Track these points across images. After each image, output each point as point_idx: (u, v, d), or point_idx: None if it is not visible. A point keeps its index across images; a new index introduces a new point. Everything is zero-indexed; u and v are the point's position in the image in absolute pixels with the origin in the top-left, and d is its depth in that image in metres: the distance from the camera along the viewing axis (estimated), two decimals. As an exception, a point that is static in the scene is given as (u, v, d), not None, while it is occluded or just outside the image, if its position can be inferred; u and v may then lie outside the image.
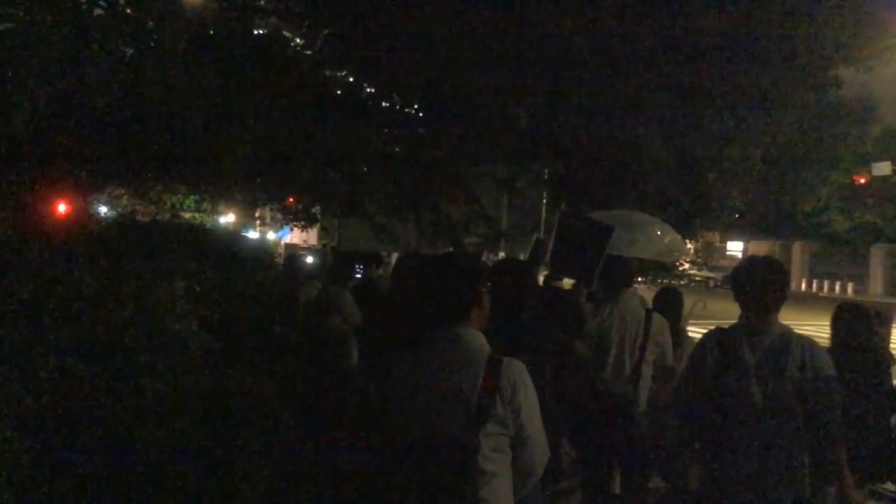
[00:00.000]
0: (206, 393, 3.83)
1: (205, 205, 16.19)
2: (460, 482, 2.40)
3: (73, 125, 4.56)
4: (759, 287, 3.53)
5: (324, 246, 24.23)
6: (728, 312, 5.20)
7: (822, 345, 3.78)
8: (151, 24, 5.87)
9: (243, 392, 4.18)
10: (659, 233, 7.79)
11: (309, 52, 8.22)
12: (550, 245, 6.45)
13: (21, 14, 4.23)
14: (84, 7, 4.80)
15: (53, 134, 4.00)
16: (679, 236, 8.44)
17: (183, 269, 4.07)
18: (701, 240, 42.67)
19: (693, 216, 14.59)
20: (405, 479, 2.49)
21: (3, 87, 3.58)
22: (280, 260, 12.96)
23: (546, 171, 13.76)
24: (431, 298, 2.67)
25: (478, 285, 2.66)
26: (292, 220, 15.50)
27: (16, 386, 2.98)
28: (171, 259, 4.07)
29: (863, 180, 39.56)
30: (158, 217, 9.77)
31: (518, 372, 2.50)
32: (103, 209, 10.05)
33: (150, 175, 7.88)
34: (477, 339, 2.59)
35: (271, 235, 30.08)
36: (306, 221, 15.41)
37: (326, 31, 7.70)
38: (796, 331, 3.57)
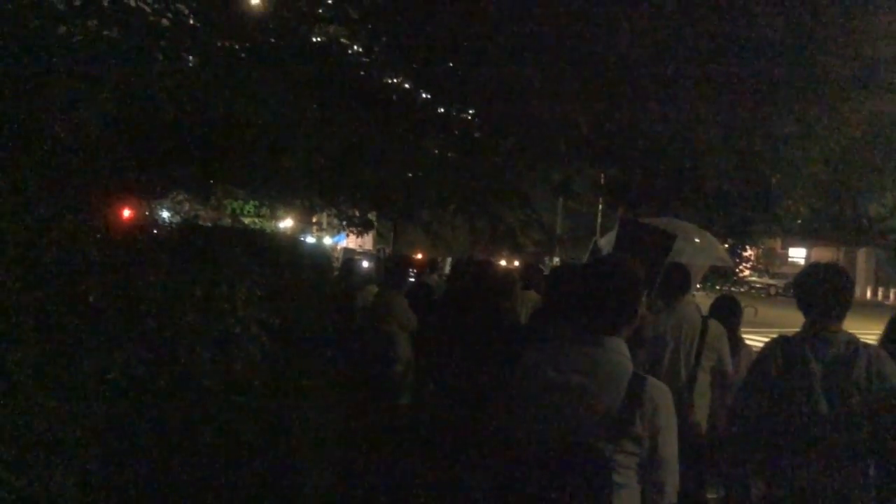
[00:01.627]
0: (266, 395, 3.91)
1: (264, 210, 16.48)
2: (599, 491, 2.32)
3: (140, 132, 4.71)
4: (824, 294, 3.45)
5: (378, 250, 24.38)
6: (789, 320, 5.09)
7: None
8: (215, 34, 6.03)
9: (302, 395, 4.26)
10: (699, 240, 7.67)
11: (366, 60, 8.31)
12: (610, 251, 6.41)
13: (94, 25, 4.39)
14: (152, 19, 4.95)
15: (122, 141, 4.14)
16: (720, 245, 8.28)
17: (244, 273, 4.16)
18: (762, 246, 41.67)
19: (754, 221, 14.29)
20: (533, 484, 2.40)
21: (78, 95, 3.71)
22: (337, 265, 13.12)
23: (602, 175, 13.64)
24: (590, 304, 2.54)
25: (640, 298, 2.56)
26: (348, 226, 15.63)
27: (85, 385, 3.08)
28: (234, 263, 4.16)
29: (933, 185, 38.21)
30: (220, 222, 10.00)
31: (662, 393, 2.42)
32: (165, 214, 10.30)
33: (212, 181, 8.06)
34: (625, 353, 2.50)
35: (328, 240, 30.44)
36: (362, 227, 15.51)
37: (384, 39, 7.79)
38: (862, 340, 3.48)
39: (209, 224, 8.45)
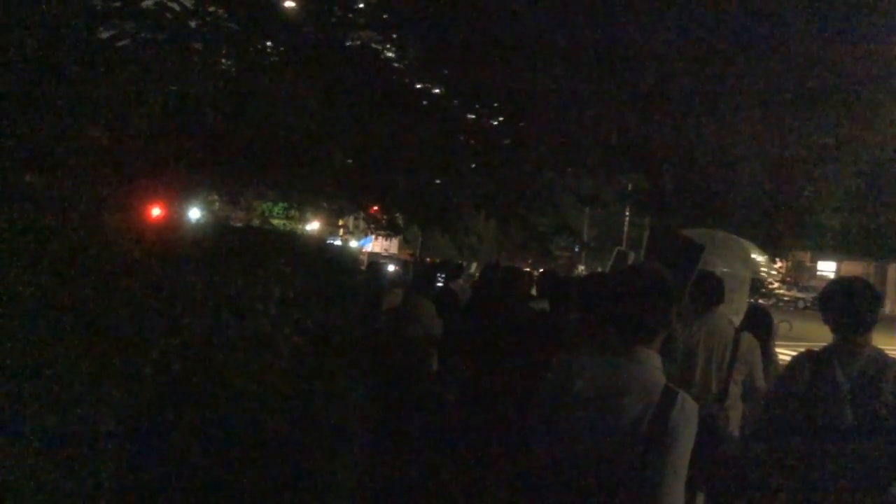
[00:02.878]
0: (297, 394, 3.94)
1: (293, 212, 16.63)
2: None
3: (178, 135, 4.78)
4: (849, 308, 3.42)
5: (412, 255, 24.54)
6: (817, 334, 5.05)
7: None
8: (251, 37, 6.10)
9: (332, 394, 4.29)
10: (745, 251, 7.62)
11: (398, 65, 8.36)
12: (640, 259, 6.39)
13: (134, 30, 4.47)
14: (194, 26, 5.02)
15: (163, 143, 4.21)
16: (766, 257, 8.23)
17: (277, 274, 4.20)
18: (791, 259, 41.30)
19: (784, 234, 14.19)
20: (563, 495, 2.39)
21: (125, 100, 3.79)
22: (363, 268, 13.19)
23: (630, 184, 13.59)
24: (622, 311, 2.51)
25: (673, 308, 2.52)
26: (376, 230, 15.70)
27: (119, 380, 3.13)
28: (266, 264, 4.20)
29: (967, 200, 37.59)
30: (250, 223, 10.10)
31: (691, 411, 2.35)
32: (195, 214, 10.43)
33: (244, 182, 8.15)
34: (657, 365, 2.45)
35: (353, 243, 30.61)
36: (390, 231, 15.58)
37: (416, 45, 7.82)
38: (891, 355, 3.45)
39: (240, 224, 8.53)
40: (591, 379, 2.44)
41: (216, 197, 10.60)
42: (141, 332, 3.27)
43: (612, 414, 2.35)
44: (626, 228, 27.84)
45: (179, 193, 6.31)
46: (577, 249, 28.11)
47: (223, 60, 6.33)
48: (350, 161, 7.79)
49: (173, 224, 4.44)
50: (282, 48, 6.40)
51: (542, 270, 10.09)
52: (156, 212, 5.00)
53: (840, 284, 3.59)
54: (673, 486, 2.30)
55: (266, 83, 5.39)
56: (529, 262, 26.52)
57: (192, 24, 5.18)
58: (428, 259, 17.69)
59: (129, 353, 3.18)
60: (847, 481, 3.28)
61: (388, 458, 5.41)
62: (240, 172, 6.78)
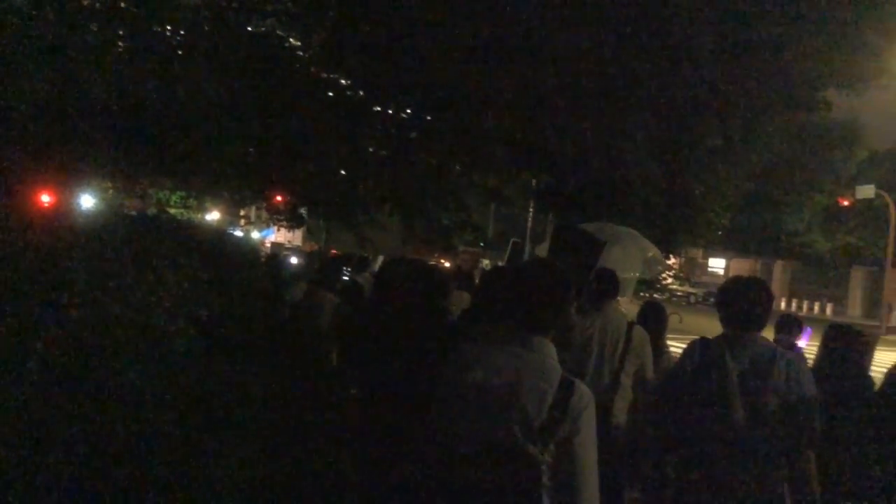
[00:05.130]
0: (190, 390, 3.83)
1: (191, 201, 16.12)
2: (529, 494, 2.32)
3: (66, 116, 4.56)
4: (746, 306, 3.56)
5: (316, 247, 24.21)
6: (706, 327, 5.28)
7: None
8: (147, 19, 5.88)
9: (228, 390, 4.19)
10: (639, 247, 7.85)
11: (302, 54, 8.23)
12: (543, 253, 6.52)
13: (22, 6, 4.23)
14: (86, 2, 4.81)
15: (48, 124, 4.01)
16: (658, 251, 8.53)
17: (172, 264, 4.07)
18: (684, 255, 43.00)
19: (678, 231, 14.73)
20: (464, 487, 2.39)
21: (6, 77, 3.59)
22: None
23: (534, 181, 13.84)
24: (520, 303, 2.56)
25: (569, 300, 2.59)
26: (279, 221, 15.44)
27: (1, 375, 2.97)
28: (161, 254, 4.07)
29: (846, 203, 40.03)
30: (146, 212, 9.74)
31: (588, 400, 2.41)
32: (88, 202, 10.00)
33: (138, 169, 7.86)
34: (552, 355, 2.51)
35: (255, 234, 29.96)
36: (293, 222, 15.32)
37: (323, 35, 7.72)
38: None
39: (134, 213, 8.23)
40: (489, 368, 2.48)
41: (110, 184, 10.17)
42: (25, 323, 3.11)
43: (510, 404, 2.39)
44: (529, 224, 28.31)
45: (71, 180, 6.04)
46: (481, 245, 28.42)
47: (119, 43, 6.08)
48: (251, 149, 7.63)
49: (63, 211, 4.23)
50: (181, 31, 6.20)
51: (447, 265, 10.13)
52: (45, 199, 4.76)
53: (737, 282, 3.73)
54: (588, 475, 2.36)
55: (163, 66, 5.21)
56: (436, 255, 26.64)
57: (85, 2, 4.97)
58: (333, 251, 17.51)
59: (11, 345, 3.02)
60: (734, 467, 3.41)
61: (286, 454, 5.33)
62: (134, 157, 6.53)
